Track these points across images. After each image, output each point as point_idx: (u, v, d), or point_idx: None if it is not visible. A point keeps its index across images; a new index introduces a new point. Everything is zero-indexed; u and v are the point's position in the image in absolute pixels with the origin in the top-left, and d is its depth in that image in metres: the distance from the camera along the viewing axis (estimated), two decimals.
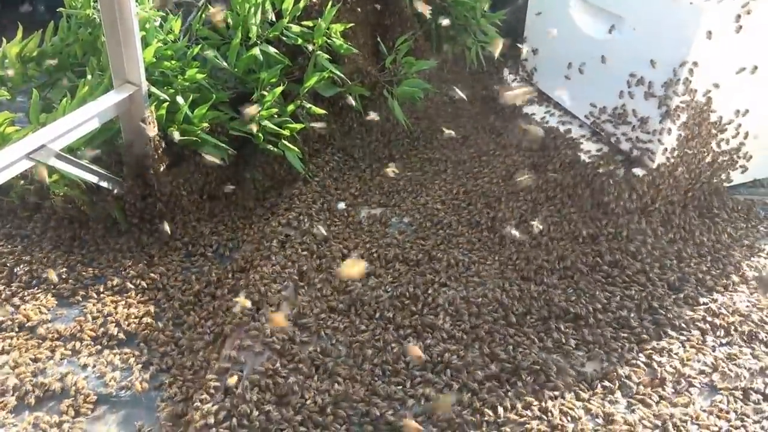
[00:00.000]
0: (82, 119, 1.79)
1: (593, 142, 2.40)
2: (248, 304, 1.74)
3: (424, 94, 2.65)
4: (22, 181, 2.19)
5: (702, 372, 1.67)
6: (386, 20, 2.84)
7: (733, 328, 1.79)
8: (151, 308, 1.90)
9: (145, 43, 2.09)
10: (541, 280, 1.97)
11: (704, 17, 1.92)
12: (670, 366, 1.68)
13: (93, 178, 1.96)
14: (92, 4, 2.27)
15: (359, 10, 2.69)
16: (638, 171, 2.19)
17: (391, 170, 2.32)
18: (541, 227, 2.10)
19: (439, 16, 2.93)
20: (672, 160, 2.18)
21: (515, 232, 2.07)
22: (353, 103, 2.42)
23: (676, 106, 2.07)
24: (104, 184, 2.02)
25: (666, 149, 2.16)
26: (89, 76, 2.13)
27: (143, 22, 2.14)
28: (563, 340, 1.75)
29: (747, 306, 1.87)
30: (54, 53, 2.32)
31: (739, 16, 1.96)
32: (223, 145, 2.19)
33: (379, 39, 2.68)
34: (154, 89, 2.05)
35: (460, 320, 1.82)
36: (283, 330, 1.72)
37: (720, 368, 1.67)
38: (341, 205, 2.30)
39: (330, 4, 2.37)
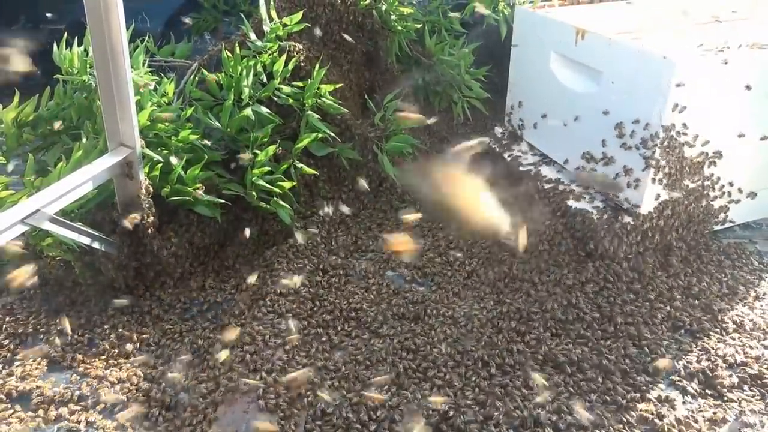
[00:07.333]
0: (77, 183, 1.82)
1: (580, 191, 2.44)
2: (241, 368, 1.73)
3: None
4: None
5: (706, 423, 1.66)
6: (374, 78, 2.93)
7: (729, 376, 1.79)
8: (144, 371, 1.88)
9: (140, 107, 2.14)
10: (531, 328, 1.98)
11: (678, 70, 2.00)
12: (671, 417, 1.67)
13: (86, 240, 1.97)
14: (88, 69, 2.33)
15: (347, 69, 2.78)
16: (626, 219, 2.24)
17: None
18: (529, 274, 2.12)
19: (426, 73, 3.04)
20: (657, 208, 2.23)
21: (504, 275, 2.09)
22: (347, 167, 2.48)
23: (656, 155, 2.13)
24: (97, 245, 2.03)
25: (651, 197, 2.20)
26: (84, 140, 2.17)
27: (138, 87, 2.20)
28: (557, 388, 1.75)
29: (740, 353, 1.87)
30: (50, 117, 2.37)
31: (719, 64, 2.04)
32: (217, 200, 2.21)
33: (367, 97, 2.76)
34: (147, 151, 2.09)
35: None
36: (278, 392, 1.70)
37: (720, 419, 1.67)
38: (334, 259, 2.31)
39: (318, 65, 2.45)
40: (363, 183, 2.46)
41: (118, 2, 1.78)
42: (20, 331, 2.00)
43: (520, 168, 2.66)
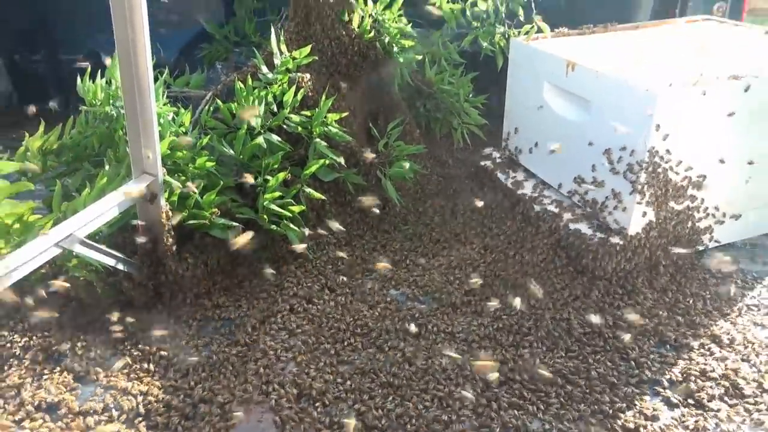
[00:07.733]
0: (105, 208, 1.97)
1: (572, 214, 2.58)
2: (255, 381, 1.86)
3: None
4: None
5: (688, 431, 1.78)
6: (377, 106, 3.09)
7: (711, 387, 1.92)
8: (164, 383, 2.00)
9: (160, 137, 2.29)
10: (525, 342, 2.11)
11: (659, 101, 2.15)
12: (655, 426, 1.79)
13: (110, 261, 2.12)
14: (110, 101, 2.49)
15: (352, 98, 2.94)
16: (615, 240, 2.38)
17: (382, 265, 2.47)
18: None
19: (427, 101, 3.20)
20: (645, 228, 2.37)
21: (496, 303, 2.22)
22: (352, 191, 2.63)
23: (642, 179, 2.27)
24: (120, 266, 2.17)
25: (638, 219, 2.35)
26: (107, 167, 2.33)
27: (158, 117, 2.35)
28: (545, 401, 1.88)
29: (721, 366, 1.99)
30: (73, 146, 2.52)
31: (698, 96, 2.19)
32: (232, 223, 2.35)
33: (371, 124, 2.91)
34: (167, 178, 2.24)
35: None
36: (290, 406, 1.83)
37: (702, 428, 1.78)
38: (341, 279, 2.45)
39: (325, 95, 2.61)
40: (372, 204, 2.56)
41: (146, 40, 1.94)
42: (48, 346, 2.14)
43: (519, 191, 2.80)
